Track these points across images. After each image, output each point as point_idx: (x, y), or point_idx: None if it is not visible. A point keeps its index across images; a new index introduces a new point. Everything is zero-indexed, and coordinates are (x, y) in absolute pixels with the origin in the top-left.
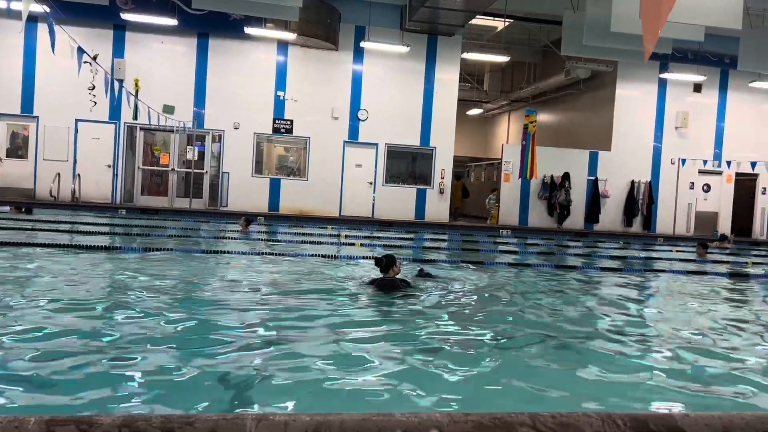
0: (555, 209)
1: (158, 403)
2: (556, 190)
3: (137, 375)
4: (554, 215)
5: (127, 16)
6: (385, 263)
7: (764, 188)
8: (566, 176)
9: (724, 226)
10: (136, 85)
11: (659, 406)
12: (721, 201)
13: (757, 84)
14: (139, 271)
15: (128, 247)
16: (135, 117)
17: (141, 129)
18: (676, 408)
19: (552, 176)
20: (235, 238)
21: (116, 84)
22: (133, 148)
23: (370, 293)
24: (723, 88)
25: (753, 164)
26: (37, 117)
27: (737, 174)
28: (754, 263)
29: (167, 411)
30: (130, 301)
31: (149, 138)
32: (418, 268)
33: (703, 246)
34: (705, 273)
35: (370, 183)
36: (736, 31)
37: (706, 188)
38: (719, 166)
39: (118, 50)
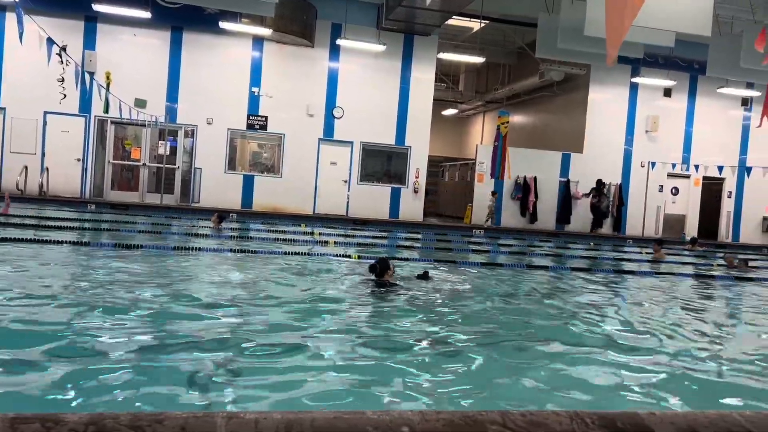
0: (527, 211)
1: (127, 400)
2: (529, 193)
3: (105, 372)
4: (526, 215)
5: (99, 8)
6: (380, 269)
7: (730, 192)
8: (600, 182)
9: (692, 228)
10: (108, 78)
11: (626, 405)
12: (688, 204)
13: (725, 90)
14: (107, 268)
15: (96, 243)
16: (106, 110)
17: (112, 123)
18: (643, 406)
19: (525, 177)
20: (206, 235)
21: (87, 76)
22: (103, 142)
23: (363, 294)
24: (692, 93)
25: (720, 168)
26: (4, 108)
27: (704, 177)
28: (719, 265)
29: (136, 408)
30: (97, 297)
31: (120, 132)
32: (421, 271)
33: (658, 243)
34: (672, 274)
35: (345, 181)
36: (705, 38)
37: (675, 191)
38: (687, 169)
39: (90, 42)
